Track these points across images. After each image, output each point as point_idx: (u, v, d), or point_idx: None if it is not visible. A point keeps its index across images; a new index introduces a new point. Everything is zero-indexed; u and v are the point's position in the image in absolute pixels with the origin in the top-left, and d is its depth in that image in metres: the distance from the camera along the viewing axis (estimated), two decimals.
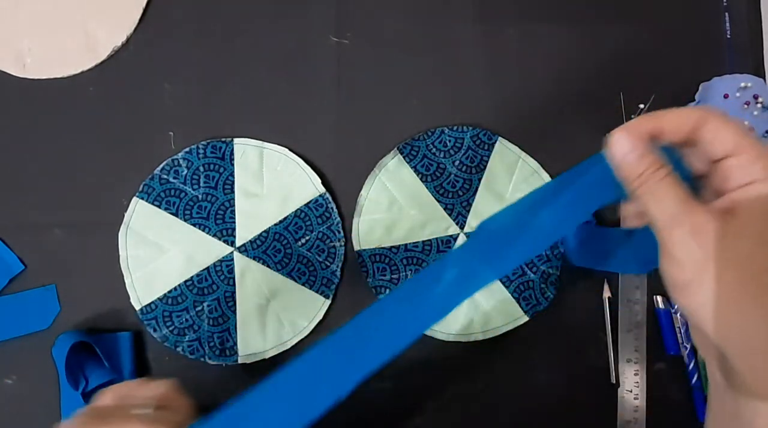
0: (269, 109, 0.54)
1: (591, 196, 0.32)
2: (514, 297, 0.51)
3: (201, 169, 0.52)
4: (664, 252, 0.28)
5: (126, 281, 0.50)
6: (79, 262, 0.51)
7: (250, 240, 0.51)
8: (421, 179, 0.53)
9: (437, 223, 0.52)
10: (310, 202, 0.52)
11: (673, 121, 0.29)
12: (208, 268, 0.51)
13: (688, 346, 0.50)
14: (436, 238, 0.52)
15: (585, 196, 0.32)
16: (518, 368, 0.51)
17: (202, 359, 0.49)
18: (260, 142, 0.52)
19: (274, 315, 0.50)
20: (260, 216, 0.51)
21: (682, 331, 0.50)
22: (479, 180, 0.53)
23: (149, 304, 0.50)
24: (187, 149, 0.52)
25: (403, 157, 0.53)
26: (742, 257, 0.26)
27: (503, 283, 0.51)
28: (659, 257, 0.28)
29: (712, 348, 0.28)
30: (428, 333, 0.50)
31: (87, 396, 0.47)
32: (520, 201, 0.36)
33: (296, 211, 0.51)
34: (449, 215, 0.52)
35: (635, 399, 0.50)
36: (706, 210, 0.27)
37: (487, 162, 0.53)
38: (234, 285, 0.50)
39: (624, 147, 0.29)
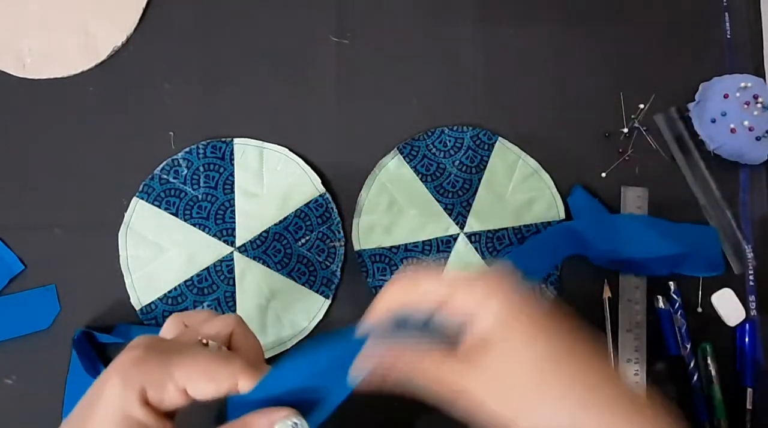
0: (269, 109, 0.54)
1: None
2: None
3: (201, 169, 0.52)
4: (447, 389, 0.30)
5: (126, 281, 0.50)
6: (79, 262, 0.51)
7: (250, 241, 0.51)
8: (421, 179, 0.53)
9: (437, 223, 0.52)
10: (310, 201, 0.52)
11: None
12: (208, 268, 0.51)
13: (688, 346, 0.50)
14: (436, 238, 0.52)
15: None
16: None
17: None
18: (260, 142, 0.52)
19: (274, 315, 0.50)
20: (260, 216, 0.51)
21: (682, 331, 0.50)
22: (479, 180, 0.53)
23: (149, 304, 0.50)
24: (187, 149, 0.52)
25: (403, 157, 0.53)
26: (504, 366, 0.29)
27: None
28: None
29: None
30: None
31: None
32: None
33: (296, 210, 0.51)
34: (449, 215, 0.52)
35: None
36: (475, 356, 0.29)
37: (487, 162, 0.53)
38: (234, 285, 0.50)
39: (375, 351, 0.31)
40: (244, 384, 0.31)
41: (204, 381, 0.30)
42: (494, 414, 0.29)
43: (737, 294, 0.51)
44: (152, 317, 0.49)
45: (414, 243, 0.52)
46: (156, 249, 0.51)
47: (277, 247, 0.51)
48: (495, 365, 0.29)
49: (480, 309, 0.30)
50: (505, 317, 0.30)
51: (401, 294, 0.32)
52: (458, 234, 0.52)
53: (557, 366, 0.29)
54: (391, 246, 0.51)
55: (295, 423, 0.31)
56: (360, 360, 0.31)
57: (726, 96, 0.52)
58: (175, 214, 0.51)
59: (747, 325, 0.51)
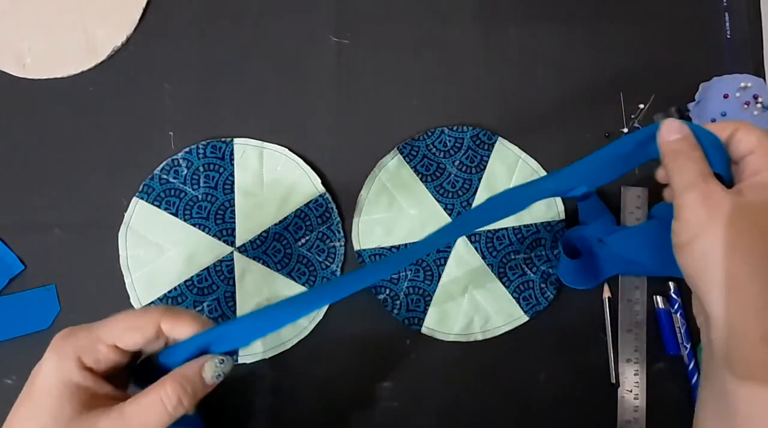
0: (269, 109, 0.54)
1: (629, 153, 0.39)
2: (514, 297, 0.51)
3: (201, 169, 0.52)
4: (676, 214, 0.33)
5: (126, 281, 0.50)
6: (79, 262, 0.51)
7: (250, 241, 0.51)
8: (421, 179, 0.53)
9: (437, 223, 0.52)
10: (310, 201, 0.52)
11: (715, 126, 0.36)
12: (208, 268, 0.51)
13: (688, 346, 0.50)
14: None
15: (623, 151, 0.39)
16: (518, 368, 0.51)
17: None
18: (260, 142, 0.52)
19: None
20: (260, 217, 0.51)
21: (682, 331, 0.50)
22: (479, 180, 0.53)
23: (149, 304, 0.50)
24: (187, 149, 0.52)
25: (403, 157, 0.53)
26: (737, 218, 0.31)
27: (503, 283, 0.51)
28: (673, 220, 0.34)
29: (705, 313, 0.32)
30: (428, 333, 0.50)
31: None
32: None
33: (296, 210, 0.51)
34: (449, 215, 0.52)
35: (635, 399, 0.50)
36: (718, 184, 0.33)
37: (487, 162, 0.53)
38: (234, 285, 0.50)
39: (671, 130, 0.35)
40: (166, 326, 0.33)
41: (129, 332, 0.33)
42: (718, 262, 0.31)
43: None
44: None
45: (414, 243, 0.52)
46: (156, 250, 0.51)
47: (277, 247, 0.51)
48: (757, 209, 0.32)
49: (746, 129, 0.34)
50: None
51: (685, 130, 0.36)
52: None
53: None
54: (391, 246, 0.51)
55: (222, 360, 0.33)
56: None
57: (726, 96, 0.52)
58: (175, 214, 0.51)
59: None
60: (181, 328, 0.33)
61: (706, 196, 0.32)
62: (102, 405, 0.31)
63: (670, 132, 0.35)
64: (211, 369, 0.33)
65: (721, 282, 0.31)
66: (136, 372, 0.36)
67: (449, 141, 0.53)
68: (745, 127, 0.35)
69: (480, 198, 0.53)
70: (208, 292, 0.50)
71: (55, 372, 0.31)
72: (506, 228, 0.52)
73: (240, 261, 0.51)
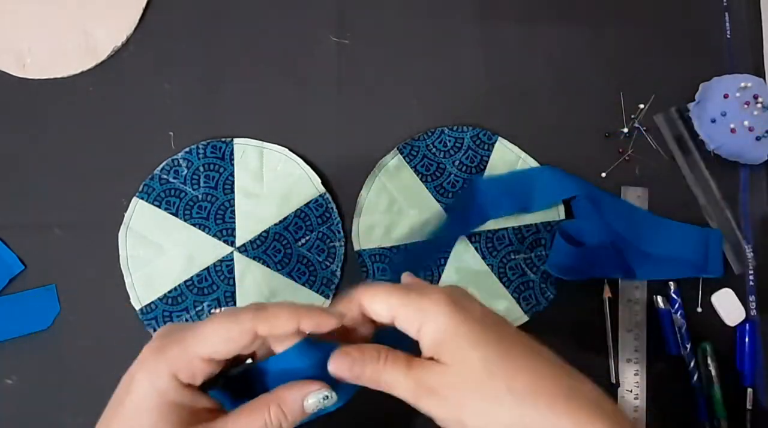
0: (269, 109, 0.54)
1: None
2: (514, 297, 0.51)
3: (201, 169, 0.52)
4: (430, 415, 0.32)
5: (126, 281, 0.50)
6: (79, 262, 0.51)
7: (250, 241, 0.51)
8: (421, 179, 0.53)
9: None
10: (310, 201, 0.52)
11: (344, 311, 0.34)
12: (208, 268, 0.51)
13: (688, 346, 0.50)
14: None
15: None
16: None
17: None
18: (260, 142, 0.52)
19: None
20: (260, 216, 0.51)
21: (682, 331, 0.50)
22: None
23: (149, 304, 0.50)
24: (187, 149, 0.52)
25: (403, 157, 0.53)
26: (462, 390, 0.31)
27: (503, 283, 0.51)
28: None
29: None
30: None
31: None
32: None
33: (296, 210, 0.51)
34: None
35: (635, 399, 0.50)
36: (426, 369, 0.32)
37: (487, 162, 0.53)
38: (234, 285, 0.50)
39: (345, 372, 0.32)
40: (262, 329, 0.31)
41: (225, 344, 0.31)
42: (447, 416, 0.32)
43: (737, 294, 0.51)
44: (152, 317, 0.49)
45: (414, 243, 0.52)
46: (156, 249, 0.51)
47: (277, 247, 0.51)
48: (447, 369, 0.31)
49: (429, 317, 0.32)
50: (450, 323, 0.31)
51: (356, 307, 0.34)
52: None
53: (503, 364, 0.31)
54: (391, 247, 0.51)
55: (326, 396, 0.32)
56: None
57: (726, 96, 0.52)
58: (175, 214, 0.51)
59: (747, 325, 0.51)
60: (279, 327, 0.31)
61: (433, 394, 0.32)
62: (201, 420, 0.31)
63: (342, 369, 0.33)
64: (315, 402, 0.32)
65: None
66: (228, 379, 0.34)
67: (449, 141, 0.53)
68: (365, 296, 0.33)
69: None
70: (208, 292, 0.50)
71: (151, 392, 0.30)
72: (506, 229, 0.52)
73: (240, 261, 0.51)
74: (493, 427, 0.31)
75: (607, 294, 0.51)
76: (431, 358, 0.32)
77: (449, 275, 0.51)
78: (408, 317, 0.32)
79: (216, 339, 0.31)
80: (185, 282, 0.50)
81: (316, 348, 0.33)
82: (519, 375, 0.31)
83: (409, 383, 0.32)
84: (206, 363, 0.31)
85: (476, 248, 0.52)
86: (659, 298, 0.51)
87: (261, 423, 0.30)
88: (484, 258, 0.52)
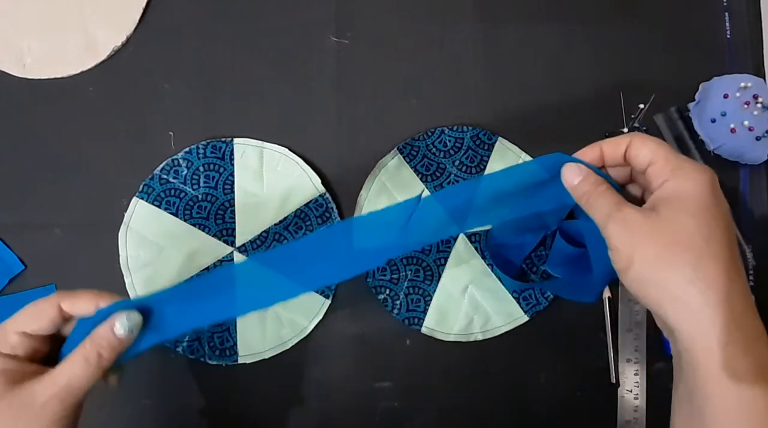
0: (269, 109, 0.54)
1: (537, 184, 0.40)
2: (514, 297, 0.51)
3: (201, 169, 0.52)
4: (608, 245, 0.35)
5: (126, 281, 0.50)
6: (79, 262, 0.51)
7: (250, 240, 0.51)
8: (421, 179, 0.53)
9: None
10: (310, 201, 0.52)
11: (608, 148, 0.37)
12: (208, 268, 0.51)
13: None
14: None
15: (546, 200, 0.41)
16: (518, 368, 0.51)
17: (202, 359, 0.49)
18: (260, 142, 0.52)
19: (274, 314, 0.50)
20: (260, 216, 0.51)
21: None
22: None
23: None
24: (187, 149, 0.52)
25: (403, 157, 0.53)
26: (659, 234, 0.33)
27: (503, 283, 0.51)
28: (608, 251, 0.35)
29: (667, 327, 0.33)
30: (428, 333, 0.50)
31: None
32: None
33: (296, 210, 0.51)
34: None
35: (635, 399, 0.50)
36: (633, 208, 0.34)
37: (487, 162, 0.53)
38: None
39: (572, 175, 0.37)
40: (66, 305, 0.36)
41: (31, 318, 0.36)
42: (623, 247, 0.33)
43: None
44: None
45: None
46: (156, 250, 0.51)
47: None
48: (658, 218, 0.33)
49: (680, 177, 0.34)
50: (700, 193, 0.33)
51: (592, 151, 0.38)
52: (458, 234, 0.52)
53: (714, 253, 0.32)
54: None
55: (128, 316, 0.36)
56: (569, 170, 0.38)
57: (726, 96, 0.52)
58: (175, 214, 0.51)
59: None
60: (80, 305, 0.36)
61: (624, 223, 0.34)
62: (33, 377, 0.35)
63: (573, 176, 0.37)
64: (121, 325, 0.36)
65: (666, 298, 0.32)
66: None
67: (449, 141, 0.53)
68: (638, 139, 0.36)
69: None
70: None
71: None
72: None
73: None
74: (654, 283, 0.32)
75: (607, 294, 0.51)
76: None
77: (449, 274, 0.51)
78: (664, 167, 0.34)
79: (24, 315, 0.36)
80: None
81: None
82: (713, 261, 0.32)
83: (613, 205, 0.34)
84: (22, 337, 0.36)
85: (476, 248, 0.52)
86: None
87: (80, 358, 0.35)
88: (484, 257, 0.52)
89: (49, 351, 0.37)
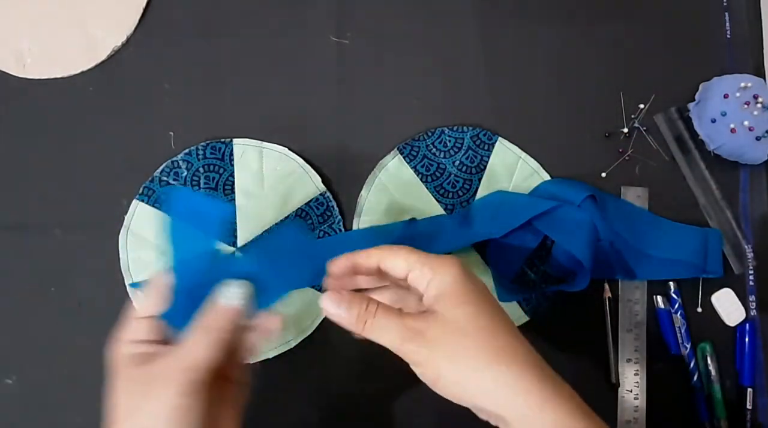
0: (269, 109, 0.54)
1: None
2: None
3: (201, 170, 0.52)
4: (410, 364, 0.35)
5: (126, 282, 0.50)
6: (79, 263, 0.51)
7: (251, 241, 0.51)
8: (421, 179, 0.53)
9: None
10: (310, 200, 0.52)
11: (360, 259, 0.38)
12: None
13: (688, 346, 0.50)
14: None
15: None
16: None
17: None
18: (259, 142, 0.52)
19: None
20: (261, 216, 0.51)
21: (682, 331, 0.50)
22: (479, 180, 0.53)
23: None
24: (187, 151, 0.52)
25: (403, 157, 0.53)
26: (449, 336, 0.34)
27: (497, 294, 0.51)
28: (412, 368, 0.35)
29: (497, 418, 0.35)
30: None
31: None
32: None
33: (297, 210, 0.51)
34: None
35: (635, 399, 0.50)
36: (416, 319, 0.35)
37: (487, 162, 0.53)
38: None
39: (333, 305, 0.37)
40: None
41: (159, 301, 0.37)
42: (426, 361, 0.34)
43: (737, 294, 0.51)
44: None
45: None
46: (157, 252, 0.50)
47: None
48: (438, 318, 0.35)
49: (439, 273, 0.36)
50: (456, 281, 0.35)
51: (346, 264, 0.38)
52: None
53: (491, 322, 0.35)
54: None
55: (239, 285, 0.36)
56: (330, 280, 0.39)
57: (726, 96, 0.52)
58: None
59: (747, 325, 0.51)
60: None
61: (419, 339, 0.34)
62: (159, 357, 0.35)
63: (334, 307, 0.37)
64: (223, 297, 0.36)
65: (477, 394, 0.34)
66: None
67: (449, 141, 0.53)
68: (387, 252, 0.37)
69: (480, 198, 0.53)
70: None
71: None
72: None
73: None
74: (466, 379, 0.34)
75: (607, 294, 0.51)
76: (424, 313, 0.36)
77: None
78: (422, 272, 0.36)
79: (149, 300, 0.38)
80: None
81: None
82: (501, 335, 0.35)
83: (399, 327, 0.35)
84: (149, 321, 0.37)
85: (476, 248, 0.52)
86: (659, 298, 0.51)
87: (203, 337, 0.35)
88: (484, 257, 0.52)
89: None
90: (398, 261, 0.37)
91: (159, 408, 0.33)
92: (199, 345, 0.34)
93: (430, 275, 0.36)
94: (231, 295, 0.36)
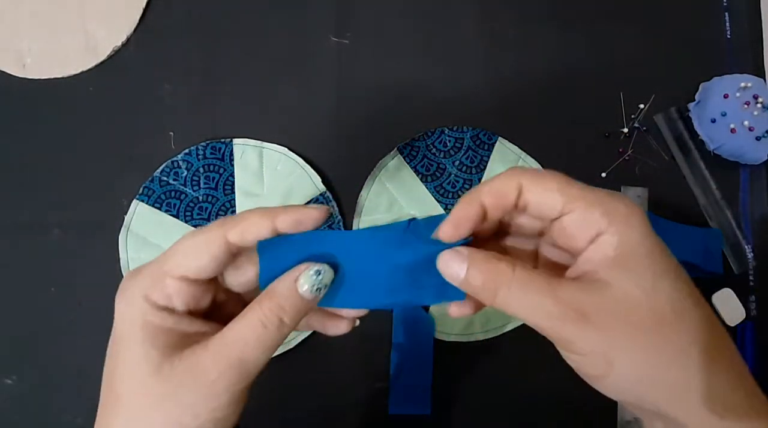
0: (269, 109, 0.54)
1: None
2: None
3: (201, 170, 0.52)
4: (563, 349, 0.27)
5: None
6: (79, 263, 0.51)
7: None
8: (421, 179, 0.53)
9: None
10: (310, 201, 0.52)
11: (492, 200, 0.27)
12: None
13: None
14: None
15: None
16: (518, 368, 0.51)
17: None
18: (259, 142, 0.52)
19: None
20: None
21: None
22: (479, 180, 0.53)
23: None
24: (187, 151, 0.52)
25: (403, 157, 0.53)
26: (633, 319, 0.25)
27: None
28: (562, 354, 0.27)
29: (656, 416, 0.27)
30: None
31: None
32: None
33: None
34: None
35: None
36: (579, 289, 0.25)
37: (487, 162, 0.53)
38: None
39: (455, 265, 0.27)
40: (233, 234, 0.28)
41: (192, 257, 0.28)
42: (593, 349, 0.25)
43: (737, 294, 0.51)
44: None
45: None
46: (157, 252, 0.50)
47: None
48: (611, 290, 0.25)
49: (619, 224, 0.25)
50: (645, 237, 0.25)
51: (471, 210, 0.27)
52: None
53: (693, 307, 0.25)
54: None
55: (318, 271, 0.28)
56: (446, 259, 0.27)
57: (726, 96, 0.52)
58: (176, 216, 0.51)
59: (747, 325, 0.51)
60: (251, 231, 0.28)
61: (585, 319, 0.25)
62: (198, 341, 0.27)
63: (455, 268, 0.27)
64: (306, 281, 0.28)
65: (651, 390, 0.26)
66: None
67: (449, 141, 0.53)
68: (532, 179, 0.27)
69: None
70: None
71: (129, 319, 0.27)
72: None
73: None
74: (650, 382, 0.25)
75: None
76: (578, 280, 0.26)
77: None
78: (590, 217, 0.25)
79: (182, 254, 0.28)
80: None
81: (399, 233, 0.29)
82: (709, 328, 0.25)
83: (549, 300, 0.25)
84: (181, 283, 0.28)
85: None
86: None
87: (257, 322, 0.27)
88: None
89: (210, 305, 0.30)
90: (551, 193, 0.26)
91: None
92: (253, 334, 0.27)
93: (603, 224, 0.25)
94: (307, 281, 0.28)
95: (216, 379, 0.26)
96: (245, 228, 0.28)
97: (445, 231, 0.28)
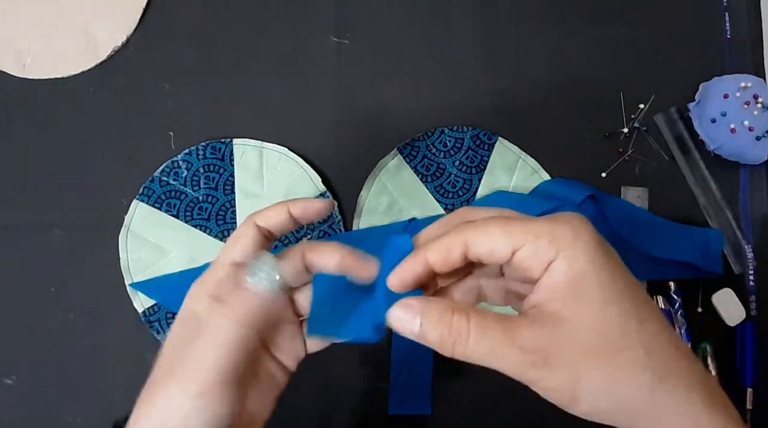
0: (269, 109, 0.54)
1: None
2: None
3: (201, 170, 0.52)
4: (529, 385, 0.27)
5: (126, 283, 0.50)
6: (80, 263, 0.51)
7: None
8: (421, 179, 0.53)
9: None
10: None
11: (437, 258, 0.28)
12: None
13: (688, 346, 0.50)
14: None
15: None
16: None
17: None
18: (259, 142, 0.52)
19: None
20: None
21: (683, 331, 0.50)
22: (479, 180, 0.53)
23: (152, 307, 0.50)
24: (187, 151, 0.52)
25: (403, 157, 0.53)
26: (598, 348, 0.25)
27: None
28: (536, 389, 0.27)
29: None
30: None
31: None
32: None
33: None
34: None
35: None
36: (529, 328, 0.26)
37: (487, 162, 0.53)
38: None
39: (407, 318, 0.27)
40: (260, 220, 0.32)
41: (239, 246, 0.31)
42: (559, 387, 0.26)
43: (737, 294, 0.51)
44: (155, 319, 0.49)
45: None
46: (158, 252, 0.50)
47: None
48: (565, 326, 0.25)
49: (567, 250, 0.25)
50: (593, 262, 0.25)
51: (417, 267, 0.28)
52: None
53: (639, 328, 0.25)
54: None
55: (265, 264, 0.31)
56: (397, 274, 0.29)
57: (726, 96, 0.52)
58: (176, 216, 0.51)
59: (747, 325, 0.51)
60: (271, 217, 0.32)
61: (536, 363, 0.25)
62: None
63: (408, 321, 0.27)
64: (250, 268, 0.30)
65: (629, 411, 0.26)
66: None
67: (449, 141, 0.53)
68: (474, 231, 0.27)
69: (480, 198, 0.53)
70: None
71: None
72: None
73: None
74: (613, 407, 0.25)
75: None
76: (528, 312, 0.26)
77: None
78: (538, 249, 0.25)
79: (231, 243, 0.31)
80: None
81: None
82: (657, 347, 0.25)
83: (513, 352, 0.25)
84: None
85: None
86: (659, 298, 0.51)
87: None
88: None
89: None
90: (496, 239, 0.26)
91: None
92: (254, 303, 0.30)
93: (552, 252, 0.25)
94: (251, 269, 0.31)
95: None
96: (266, 213, 0.32)
97: (392, 283, 0.29)
